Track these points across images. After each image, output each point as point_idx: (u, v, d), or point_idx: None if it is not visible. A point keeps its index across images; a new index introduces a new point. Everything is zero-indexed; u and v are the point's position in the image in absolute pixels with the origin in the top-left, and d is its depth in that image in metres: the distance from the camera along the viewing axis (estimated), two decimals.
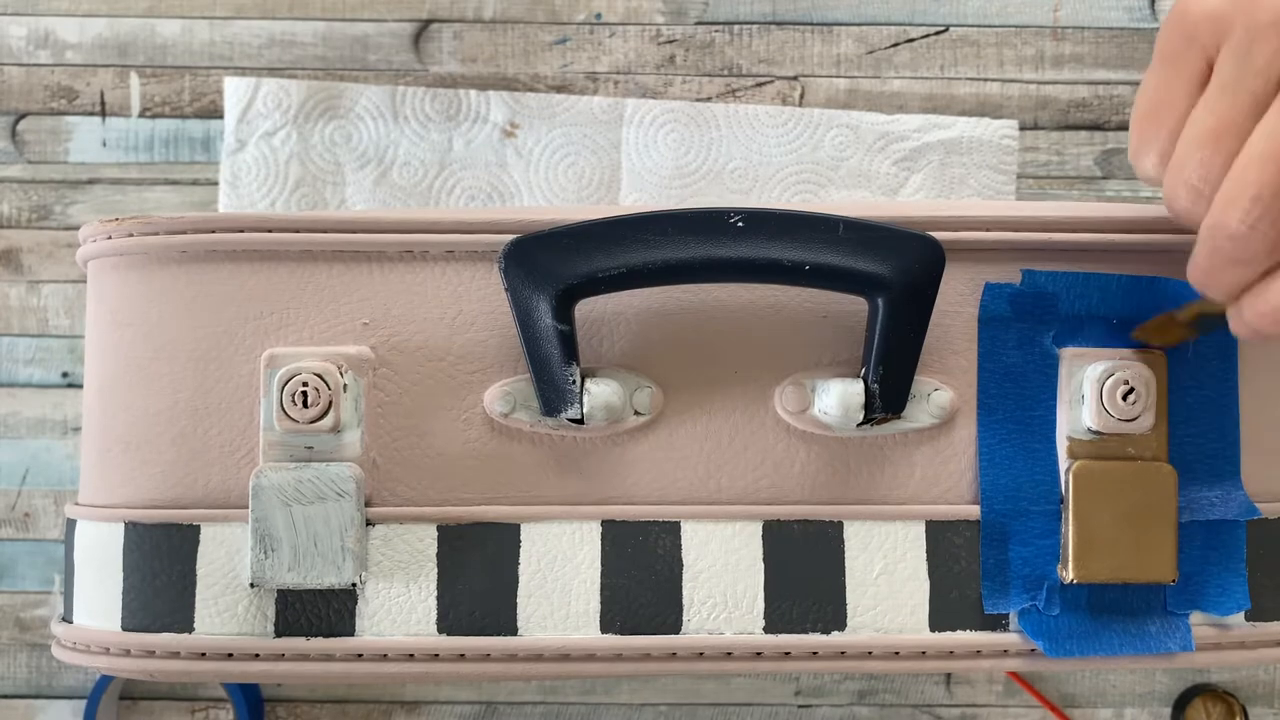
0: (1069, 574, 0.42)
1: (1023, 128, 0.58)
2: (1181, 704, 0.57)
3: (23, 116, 0.58)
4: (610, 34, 0.58)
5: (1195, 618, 0.43)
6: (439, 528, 0.42)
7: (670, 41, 0.58)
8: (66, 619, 0.44)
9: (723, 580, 0.42)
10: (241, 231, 0.42)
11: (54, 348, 0.58)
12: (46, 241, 0.58)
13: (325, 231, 0.42)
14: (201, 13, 0.58)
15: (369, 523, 0.42)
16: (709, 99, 0.58)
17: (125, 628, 0.42)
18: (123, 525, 0.42)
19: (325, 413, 0.41)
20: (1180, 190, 0.35)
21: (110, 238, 0.43)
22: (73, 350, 0.58)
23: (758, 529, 0.42)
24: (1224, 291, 0.36)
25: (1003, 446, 0.43)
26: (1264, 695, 0.57)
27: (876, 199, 0.58)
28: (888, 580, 0.42)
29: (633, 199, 0.58)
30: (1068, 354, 0.42)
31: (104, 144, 0.58)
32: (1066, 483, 0.42)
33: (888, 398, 0.41)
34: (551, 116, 0.58)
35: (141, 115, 0.58)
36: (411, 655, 0.42)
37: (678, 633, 0.42)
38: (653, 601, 0.42)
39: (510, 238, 0.40)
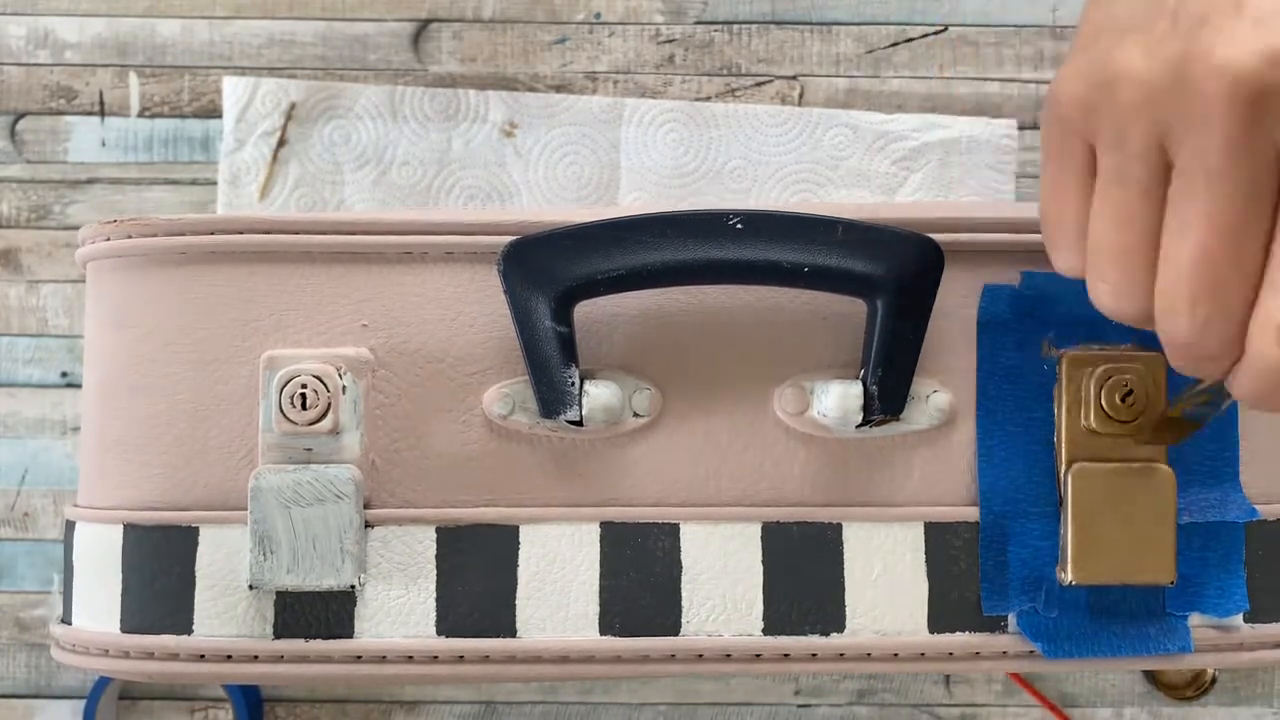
0: (1068, 576, 0.42)
1: (1022, 127, 0.58)
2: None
3: (22, 116, 0.58)
4: (609, 34, 0.58)
5: (1194, 619, 0.43)
6: (438, 530, 0.42)
7: (669, 41, 0.58)
8: (65, 621, 0.44)
9: (721, 582, 0.42)
10: (240, 233, 0.42)
11: (53, 348, 0.58)
12: (46, 241, 0.58)
13: (324, 233, 0.42)
14: (201, 12, 0.58)
15: (368, 524, 0.42)
16: (708, 99, 0.58)
17: (124, 629, 0.42)
18: (122, 527, 0.42)
19: (324, 415, 0.41)
20: (1103, 295, 0.33)
21: (109, 239, 0.43)
22: (72, 350, 0.58)
23: (757, 531, 0.42)
24: (1213, 377, 0.33)
25: (1002, 448, 0.43)
26: (1263, 695, 0.57)
27: (876, 199, 0.58)
28: (887, 582, 0.42)
29: (632, 199, 0.58)
30: (1067, 356, 0.42)
31: (103, 144, 0.58)
32: (1065, 484, 0.42)
33: (886, 399, 0.41)
34: (551, 116, 0.58)
35: (140, 115, 0.58)
36: (410, 657, 0.42)
37: (676, 634, 0.42)
38: (652, 603, 0.42)
39: (509, 239, 0.40)
